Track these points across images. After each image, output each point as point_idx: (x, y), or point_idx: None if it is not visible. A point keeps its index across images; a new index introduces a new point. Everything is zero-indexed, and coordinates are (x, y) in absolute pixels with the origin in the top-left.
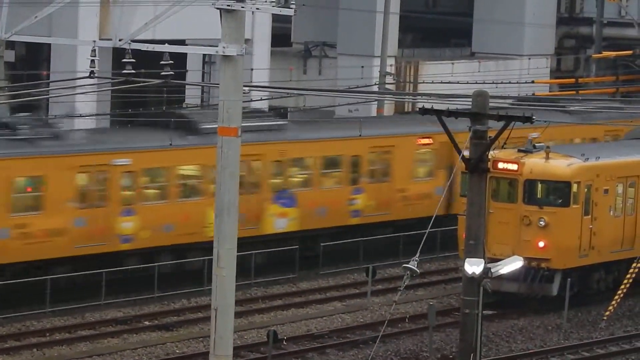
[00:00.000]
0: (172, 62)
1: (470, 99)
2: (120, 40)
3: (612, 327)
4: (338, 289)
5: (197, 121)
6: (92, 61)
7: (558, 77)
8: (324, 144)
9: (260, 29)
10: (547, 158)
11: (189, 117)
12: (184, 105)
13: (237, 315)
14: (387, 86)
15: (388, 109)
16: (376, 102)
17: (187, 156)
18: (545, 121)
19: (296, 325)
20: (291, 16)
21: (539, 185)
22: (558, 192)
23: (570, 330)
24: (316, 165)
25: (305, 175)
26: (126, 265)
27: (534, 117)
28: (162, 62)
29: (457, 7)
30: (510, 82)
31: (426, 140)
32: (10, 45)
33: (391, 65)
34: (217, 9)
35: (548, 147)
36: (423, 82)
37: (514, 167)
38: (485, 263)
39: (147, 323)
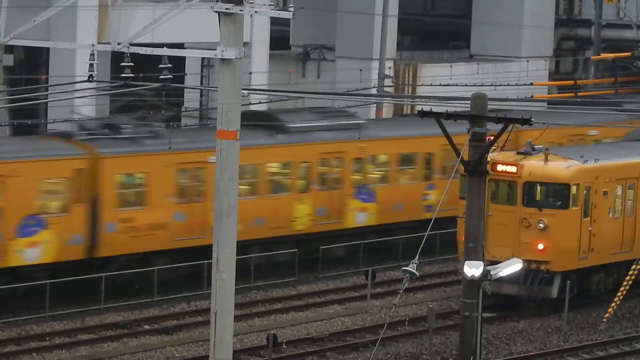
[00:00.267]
0: (170, 65)
1: (469, 101)
2: (118, 44)
3: (611, 329)
4: (338, 292)
5: (285, 120)
6: (91, 65)
7: (557, 79)
8: (400, 141)
9: (259, 32)
10: (546, 160)
11: (278, 116)
12: (183, 109)
13: (237, 318)
14: (385, 89)
15: (387, 111)
16: (375, 105)
17: (276, 154)
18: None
19: (296, 329)
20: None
21: (538, 188)
22: (557, 194)
23: (570, 333)
24: (393, 162)
25: (382, 172)
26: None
27: (532, 119)
28: (160, 66)
29: (455, 9)
30: (508, 84)
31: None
32: (9, 49)
33: (390, 68)
34: (216, 12)
35: (547, 149)
36: (422, 85)
37: (513, 169)
38: (484, 265)
39: (146, 327)
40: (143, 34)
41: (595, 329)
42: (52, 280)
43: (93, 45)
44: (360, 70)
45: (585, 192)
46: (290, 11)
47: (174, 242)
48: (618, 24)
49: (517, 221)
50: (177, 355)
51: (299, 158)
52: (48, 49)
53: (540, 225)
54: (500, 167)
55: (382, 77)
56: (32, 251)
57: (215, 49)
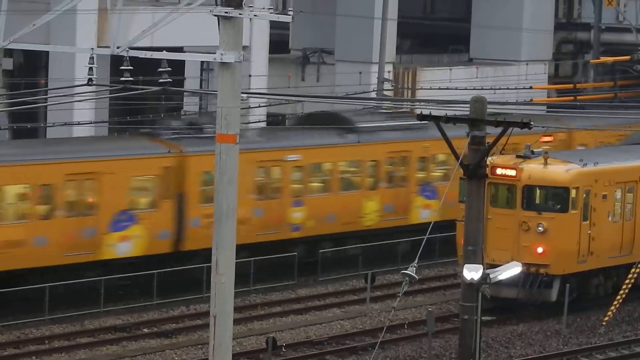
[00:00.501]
0: (170, 69)
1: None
2: (118, 47)
3: (611, 333)
4: (337, 296)
5: (355, 121)
6: (90, 68)
7: (556, 82)
8: (461, 141)
9: (258, 36)
10: (546, 164)
11: (348, 117)
12: (182, 113)
13: (236, 322)
14: (385, 92)
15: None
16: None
17: (346, 153)
18: (543, 127)
19: (295, 332)
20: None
21: (538, 191)
22: (556, 197)
23: (570, 336)
24: (453, 161)
25: (444, 170)
26: (294, 251)
27: (531, 123)
28: (160, 70)
29: (454, 13)
30: (508, 88)
31: (548, 138)
32: (9, 53)
33: (389, 72)
34: (215, 16)
35: (546, 152)
36: (421, 88)
37: (513, 172)
38: (484, 269)
39: (146, 330)
40: (142, 38)
41: (595, 332)
42: (51, 284)
43: (92, 48)
44: (360, 73)
45: (584, 195)
46: (289, 15)
47: (253, 237)
48: (617, 28)
49: (516, 225)
50: (176, 358)
51: (368, 157)
52: (47, 52)
53: (540, 228)
54: (499, 171)
55: (381, 80)
56: (124, 245)
57: (215, 53)
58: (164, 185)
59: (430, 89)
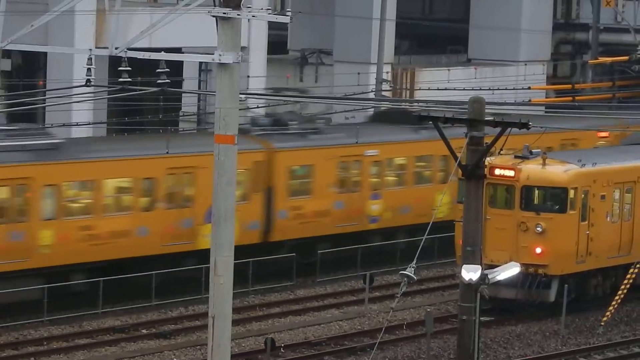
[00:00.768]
0: (168, 70)
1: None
2: (116, 48)
3: (609, 333)
4: (335, 296)
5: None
6: (89, 69)
7: (554, 83)
8: (532, 137)
9: (257, 37)
10: (544, 164)
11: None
12: (181, 114)
13: (235, 322)
14: (383, 93)
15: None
16: (373, 109)
17: (420, 148)
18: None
19: (294, 333)
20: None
21: (536, 192)
22: (555, 198)
23: (568, 336)
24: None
25: None
26: (372, 242)
27: (530, 124)
28: (158, 70)
29: (453, 13)
30: (506, 89)
31: (604, 134)
32: (7, 54)
33: (387, 72)
34: (213, 16)
35: (545, 153)
36: (419, 89)
37: (511, 173)
38: (482, 269)
39: (144, 331)
40: (141, 39)
41: (593, 332)
42: (49, 285)
43: (91, 49)
44: (358, 74)
45: (583, 196)
46: (287, 15)
47: (334, 228)
48: (616, 28)
49: (515, 225)
50: (175, 359)
51: (439, 152)
52: (46, 53)
53: (538, 229)
54: (498, 171)
55: (379, 81)
56: None
57: (213, 54)
58: (254, 179)
59: (429, 89)
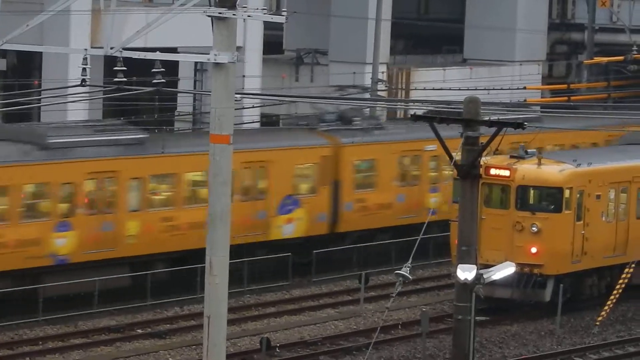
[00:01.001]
0: (163, 70)
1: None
2: (111, 48)
3: (605, 333)
4: (331, 296)
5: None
6: (84, 69)
7: (550, 83)
8: (573, 133)
9: (252, 37)
10: (539, 164)
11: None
12: (176, 114)
13: (230, 322)
14: (379, 93)
15: (381, 115)
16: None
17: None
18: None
19: (289, 333)
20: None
21: (531, 191)
22: (550, 198)
23: (563, 336)
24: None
25: None
26: (430, 234)
27: (525, 124)
28: (153, 70)
29: (448, 13)
30: (502, 88)
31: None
32: (2, 53)
33: (383, 72)
34: (209, 16)
35: (540, 153)
36: (415, 89)
37: (506, 173)
38: (477, 269)
39: (140, 331)
40: (136, 38)
41: (588, 332)
42: (44, 285)
43: (86, 49)
44: (354, 73)
45: (578, 195)
46: (283, 15)
47: (396, 220)
48: (611, 28)
49: (510, 225)
50: (170, 359)
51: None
52: (41, 53)
53: (534, 229)
54: (493, 171)
55: (375, 81)
56: (289, 227)
57: (209, 54)
58: (322, 173)
59: (424, 89)
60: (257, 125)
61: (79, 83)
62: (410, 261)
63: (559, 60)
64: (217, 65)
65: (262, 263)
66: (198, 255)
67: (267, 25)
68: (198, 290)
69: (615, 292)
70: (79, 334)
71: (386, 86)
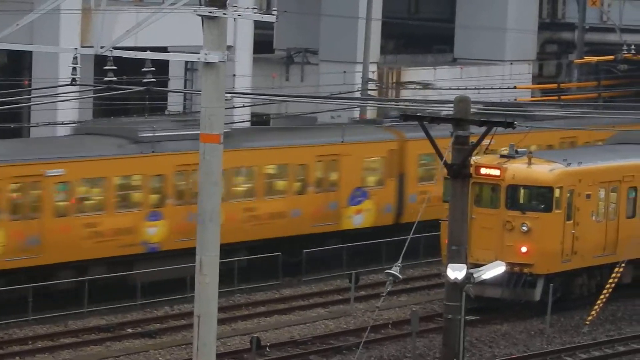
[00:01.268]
0: (154, 69)
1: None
2: (102, 47)
3: (594, 332)
4: (321, 296)
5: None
6: (74, 68)
7: (540, 82)
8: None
9: (243, 36)
10: (530, 163)
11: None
12: (166, 113)
13: (220, 322)
14: (369, 92)
15: (370, 115)
16: (358, 109)
17: (533, 138)
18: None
19: (279, 332)
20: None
21: (522, 191)
22: (540, 197)
23: (553, 335)
24: None
25: None
26: None
27: (515, 123)
28: (144, 69)
29: (439, 13)
30: (492, 88)
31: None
32: None
33: (373, 72)
34: (199, 15)
35: (530, 152)
36: (405, 88)
37: (497, 172)
38: (467, 268)
39: (130, 330)
40: (126, 38)
41: (578, 331)
42: (34, 284)
43: (76, 48)
44: (344, 73)
45: (568, 195)
46: (273, 15)
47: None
48: (601, 28)
49: (500, 224)
50: (160, 358)
51: (538, 141)
52: (31, 52)
53: (524, 228)
54: (483, 170)
55: (365, 80)
56: (358, 217)
57: (199, 53)
58: (388, 166)
59: (415, 89)
60: (247, 124)
61: (69, 82)
62: (400, 260)
63: (549, 59)
64: (208, 64)
65: (252, 262)
66: (276, 243)
67: (258, 25)
68: (188, 289)
69: (605, 291)
70: (69, 334)
71: (377, 85)
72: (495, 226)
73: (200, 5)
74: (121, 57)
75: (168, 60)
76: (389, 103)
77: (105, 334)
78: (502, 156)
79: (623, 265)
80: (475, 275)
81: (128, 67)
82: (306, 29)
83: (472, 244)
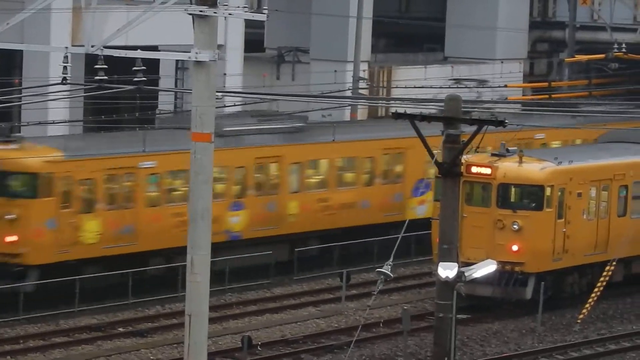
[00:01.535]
0: (144, 68)
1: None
2: (92, 46)
3: (586, 331)
4: (312, 294)
5: (577, 107)
6: (65, 67)
7: (531, 81)
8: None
9: (233, 35)
10: (521, 162)
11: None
12: (157, 112)
13: (212, 321)
14: (360, 91)
15: (361, 114)
16: (349, 107)
17: (575, 134)
18: (517, 125)
19: (271, 331)
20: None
21: (513, 189)
22: (531, 195)
23: (545, 334)
24: None
25: None
26: None
27: (506, 121)
28: (134, 68)
29: (430, 12)
30: (483, 86)
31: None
32: None
33: (364, 70)
34: (190, 14)
35: (521, 151)
36: (396, 87)
37: (488, 171)
38: (459, 267)
39: (121, 329)
40: (117, 37)
41: (570, 330)
42: (25, 283)
43: (67, 47)
44: (335, 71)
45: (559, 193)
46: (264, 13)
47: None
48: (592, 26)
49: (491, 223)
50: (151, 357)
51: (590, 136)
52: (22, 51)
53: (515, 226)
54: (474, 169)
55: (356, 79)
56: (421, 208)
57: (190, 52)
58: None
59: (406, 87)
60: None
61: (59, 81)
62: (391, 259)
63: (540, 58)
64: (198, 63)
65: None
66: (347, 232)
67: (248, 24)
68: (179, 288)
69: (596, 289)
70: (60, 333)
71: (367, 84)
72: (486, 225)
73: (191, 4)
74: (112, 56)
75: (159, 59)
76: (380, 102)
77: (97, 333)
78: (493, 155)
79: (614, 263)
80: (466, 274)
81: (119, 66)
82: (297, 28)
83: (463, 243)
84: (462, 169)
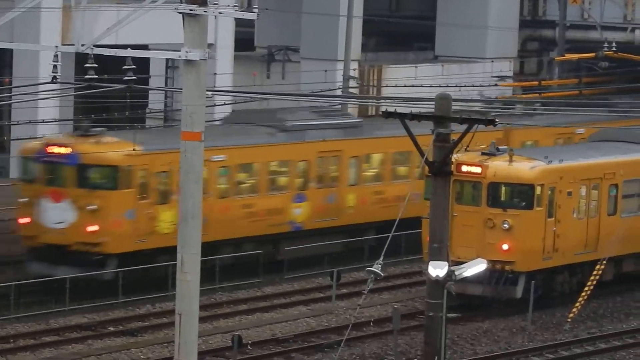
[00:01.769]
0: (134, 67)
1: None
2: (82, 45)
3: (576, 329)
4: (303, 293)
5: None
6: (55, 66)
7: (521, 79)
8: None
9: (224, 34)
10: (511, 161)
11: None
12: (147, 111)
13: (202, 320)
14: (350, 90)
15: (352, 112)
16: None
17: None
18: (507, 124)
19: (261, 330)
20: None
21: (503, 188)
22: (521, 194)
23: (535, 333)
24: None
25: None
26: None
27: (496, 120)
28: (124, 67)
29: (420, 10)
30: (473, 85)
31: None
32: None
33: (354, 69)
34: (180, 13)
35: (511, 149)
36: (387, 86)
37: (478, 170)
38: (449, 266)
39: (111, 329)
40: (107, 35)
41: (560, 329)
42: (16, 282)
43: (57, 46)
44: (325, 71)
45: (549, 192)
46: (254, 12)
47: None
48: (582, 25)
49: (481, 222)
50: (142, 356)
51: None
52: (11, 50)
53: (505, 225)
54: (464, 168)
55: (347, 78)
56: None
57: (180, 50)
58: None
59: (396, 86)
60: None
61: (49, 80)
62: (381, 258)
63: (530, 57)
64: (188, 62)
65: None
66: (398, 224)
67: (239, 22)
68: (170, 287)
69: (586, 288)
70: (50, 332)
71: (358, 83)
72: (476, 224)
73: (181, 2)
74: (102, 55)
75: (149, 58)
76: (370, 101)
77: (87, 332)
78: (484, 153)
79: (604, 262)
80: (456, 273)
81: (109, 65)
82: (287, 27)
83: (454, 242)
84: (453, 167)
